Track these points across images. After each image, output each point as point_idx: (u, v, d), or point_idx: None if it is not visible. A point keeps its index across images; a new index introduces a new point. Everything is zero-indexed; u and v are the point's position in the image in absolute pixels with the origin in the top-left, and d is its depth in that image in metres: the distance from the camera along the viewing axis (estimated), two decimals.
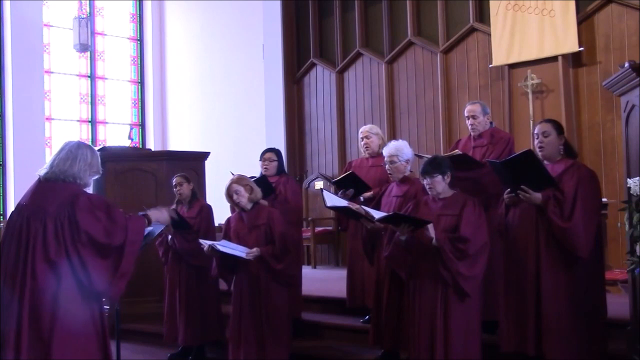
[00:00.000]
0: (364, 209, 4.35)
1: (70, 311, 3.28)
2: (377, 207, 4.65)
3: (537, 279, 3.91)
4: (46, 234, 3.28)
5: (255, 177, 5.48)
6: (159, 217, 3.68)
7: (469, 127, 5.03)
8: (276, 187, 5.59)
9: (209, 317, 5.52)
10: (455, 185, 4.20)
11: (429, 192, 4.12)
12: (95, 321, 3.38)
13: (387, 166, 4.70)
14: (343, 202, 4.64)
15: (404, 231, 3.97)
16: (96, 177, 3.57)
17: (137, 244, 3.45)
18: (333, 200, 4.64)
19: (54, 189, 3.38)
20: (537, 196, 3.88)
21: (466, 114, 5.07)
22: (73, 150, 3.44)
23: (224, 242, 4.67)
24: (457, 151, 4.80)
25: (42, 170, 3.47)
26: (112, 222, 3.36)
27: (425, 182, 4.08)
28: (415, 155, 4.90)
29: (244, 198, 4.70)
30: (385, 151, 4.74)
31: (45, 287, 3.25)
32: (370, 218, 4.31)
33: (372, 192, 5.10)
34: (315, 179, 9.43)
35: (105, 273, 3.34)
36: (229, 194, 4.72)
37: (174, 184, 5.66)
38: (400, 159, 4.64)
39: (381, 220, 4.07)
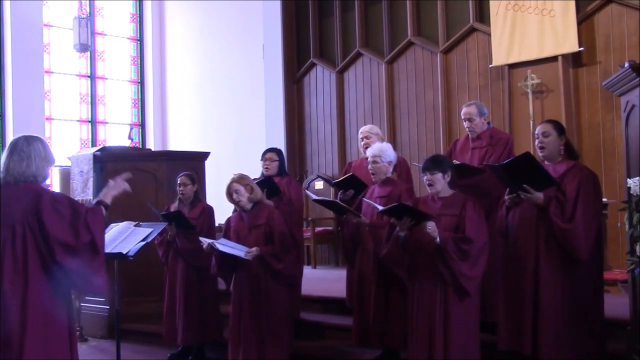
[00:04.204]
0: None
1: (42, 317, 3.24)
2: (358, 211, 4.71)
3: (535, 279, 3.91)
4: (15, 241, 3.22)
5: (257, 178, 5.47)
6: (114, 191, 3.54)
7: (467, 129, 5.03)
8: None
9: (208, 317, 5.53)
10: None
11: (428, 190, 4.12)
12: (66, 324, 3.35)
13: (369, 166, 4.76)
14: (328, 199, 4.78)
15: (404, 225, 3.96)
16: (52, 166, 3.46)
17: (102, 234, 3.41)
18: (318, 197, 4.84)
19: (15, 194, 3.28)
20: (539, 196, 3.87)
21: (462, 117, 5.07)
22: (25, 149, 3.33)
23: (223, 240, 4.67)
24: (454, 161, 4.79)
25: None
26: (77, 217, 3.28)
27: (425, 178, 4.09)
28: (413, 164, 4.96)
29: (244, 197, 4.70)
30: (369, 152, 4.81)
31: (16, 296, 3.20)
32: (357, 214, 4.52)
33: None
34: (315, 179, 9.43)
35: (83, 269, 3.29)
36: (229, 193, 4.72)
37: (178, 182, 5.64)
38: (383, 160, 4.69)
39: (385, 211, 4.08)
